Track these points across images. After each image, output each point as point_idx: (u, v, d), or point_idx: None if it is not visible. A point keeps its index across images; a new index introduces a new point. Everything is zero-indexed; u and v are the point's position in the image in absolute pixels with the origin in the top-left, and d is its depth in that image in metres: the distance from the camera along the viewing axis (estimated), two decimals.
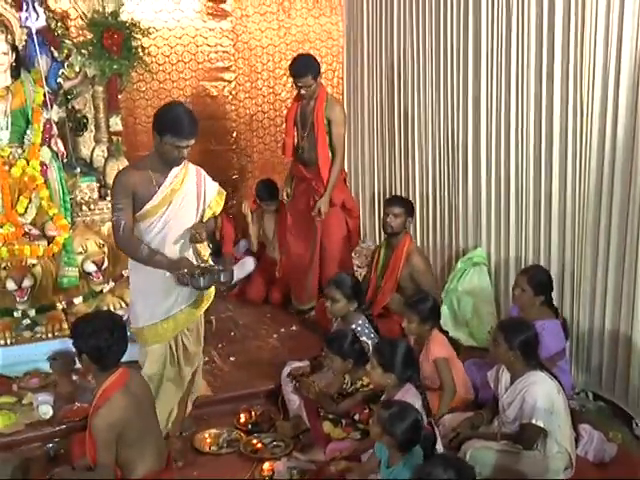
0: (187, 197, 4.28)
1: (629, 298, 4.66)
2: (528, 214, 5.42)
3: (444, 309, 5.82)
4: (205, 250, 4.48)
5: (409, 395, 4.05)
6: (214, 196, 4.41)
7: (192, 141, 4.13)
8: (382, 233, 6.33)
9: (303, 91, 5.95)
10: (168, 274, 4.20)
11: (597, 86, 4.71)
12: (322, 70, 6.17)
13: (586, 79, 4.78)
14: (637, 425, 4.62)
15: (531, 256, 5.41)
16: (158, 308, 4.29)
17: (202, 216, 4.36)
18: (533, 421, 4.02)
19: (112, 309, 5.58)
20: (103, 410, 3.73)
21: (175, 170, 4.23)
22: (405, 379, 4.11)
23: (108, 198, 5.88)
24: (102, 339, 3.82)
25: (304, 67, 5.94)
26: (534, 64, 5.19)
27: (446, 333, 5.15)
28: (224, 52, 7.56)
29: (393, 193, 7.06)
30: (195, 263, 4.32)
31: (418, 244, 6.61)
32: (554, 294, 5.00)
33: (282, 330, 6.07)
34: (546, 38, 5.06)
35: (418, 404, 3.98)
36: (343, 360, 4.58)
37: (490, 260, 5.86)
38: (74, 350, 3.97)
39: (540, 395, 4.04)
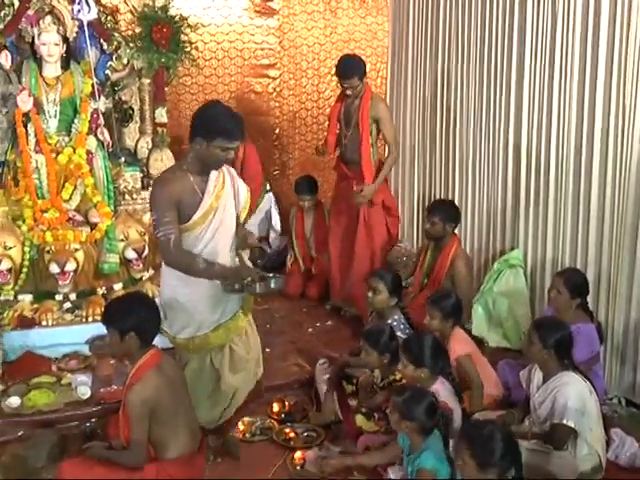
0: (228, 200, 4.11)
1: None
2: (566, 217, 5.42)
3: (479, 309, 5.88)
4: (245, 254, 4.34)
5: (442, 388, 4.11)
6: (245, 194, 4.27)
7: (239, 144, 4.03)
8: (420, 234, 6.37)
9: (349, 92, 5.96)
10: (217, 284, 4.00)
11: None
12: (367, 70, 6.17)
13: (630, 79, 4.77)
14: None
15: (568, 259, 5.41)
16: (206, 321, 4.13)
17: (238, 217, 4.22)
18: (564, 421, 4.02)
19: (151, 295, 5.66)
20: (137, 386, 3.81)
21: (214, 174, 4.03)
22: (437, 372, 4.17)
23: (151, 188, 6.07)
24: (149, 314, 3.95)
25: (351, 69, 5.94)
26: (577, 64, 5.20)
27: (468, 332, 5.16)
28: (270, 49, 7.67)
29: (433, 194, 7.10)
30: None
31: None
32: (590, 298, 5.01)
33: (318, 324, 6.14)
34: (591, 38, 5.06)
35: (452, 396, 4.05)
36: (380, 355, 4.60)
37: (526, 262, 5.86)
38: (113, 335, 3.95)
39: (572, 395, 4.04)
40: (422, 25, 7.21)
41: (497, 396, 4.88)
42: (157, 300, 4.20)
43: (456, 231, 5.85)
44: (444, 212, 5.73)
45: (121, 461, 3.96)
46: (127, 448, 3.93)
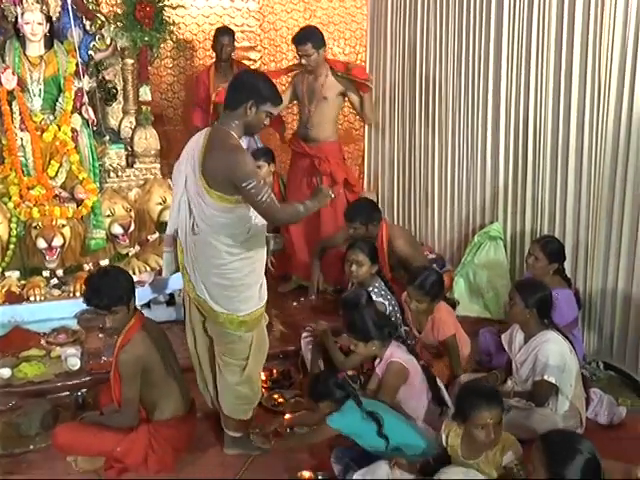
0: None
1: None
2: (544, 189, 5.54)
3: (460, 281, 6.00)
4: None
5: (398, 352, 4.25)
6: None
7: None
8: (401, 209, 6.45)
9: (304, 61, 6.07)
10: (260, 264, 4.02)
11: (614, 71, 4.83)
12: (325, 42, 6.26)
13: (605, 44, 4.88)
14: None
15: (546, 230, 5.52)
16: (262, 292, 4.09)
17: None
18: (545, 377, 4.15)
19: (137, 272, 5.76)
20: (128, 346, 3.91)
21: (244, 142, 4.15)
22: (387, 338, 4.27)
23: (136, 165, 6.15)
24: (128, 282, 4.06)
25: (305, 36, 6.09)
26: (554, 30, 5.30)
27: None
28: (250, 32, 7.77)
29: (413, 169, 7.13)
30: None
31: (436, 220, 6.78)
32: (568, 265, 5.16)
33: (302, 299, 6.19)
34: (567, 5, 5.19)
35: (408, 356, 4.24)
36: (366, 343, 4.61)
37: (506, 234, 5.99)
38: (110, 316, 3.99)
39: (552, 353, 4.17)
40: (400, 8, 7.27)
41: (468, 355, 4.98)
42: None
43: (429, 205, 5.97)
44: (363, 215, 5.55)
45: (113, 423, 4.06)
46: (119, 409, 4.03)
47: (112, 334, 4.26)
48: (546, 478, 2.98)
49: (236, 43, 7.66)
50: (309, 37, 6.07)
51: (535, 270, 5.00)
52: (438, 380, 4.32)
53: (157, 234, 6.03)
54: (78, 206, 5.62)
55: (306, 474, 3.97)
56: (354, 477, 3.75)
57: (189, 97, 7.63)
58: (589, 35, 5.00)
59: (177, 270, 4.21)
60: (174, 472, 4.08)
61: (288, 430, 4.42)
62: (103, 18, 5.98)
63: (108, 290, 3.93)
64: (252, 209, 3.85)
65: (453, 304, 5.46)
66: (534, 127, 5.61)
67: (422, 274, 4.85)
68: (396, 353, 4.25)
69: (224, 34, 6.88)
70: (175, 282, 5.74)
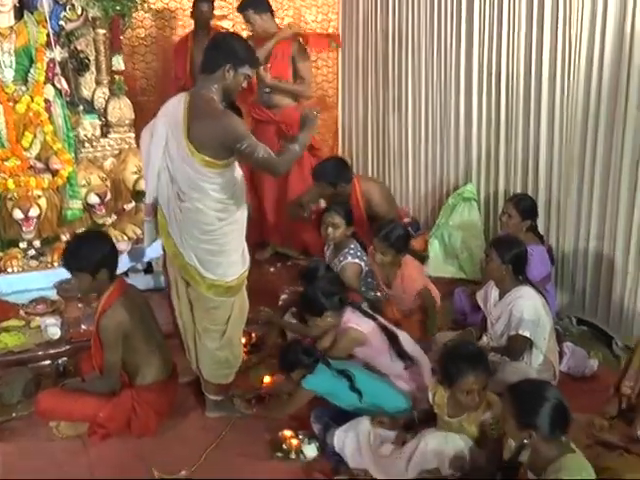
0: None
1: (612, 223, 4.89)
2: (517, 148, 5.63)
3: (435, 243, 6.09)
4: None
5: (353, 317, 4.32)
6: None
7: None
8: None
9: (249, 27, 6.11)
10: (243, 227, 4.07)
11: (585, 30, 4.90)
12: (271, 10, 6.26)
13: (575, 7, 4.96)
14: (617, 345, 4.86)
15: (519, 189, 5.63)
16: (245, 256, 4.13)
17: None
18: (520, 332, 4.24)
19: (115, 241, 5.76)
20: (109, 311, 3.95)
21: None
22: (340, 307, 4.31)
23: (111, 135, 6.13)
24: (109, 247, 4.10)
25: (245, 2, 6.13)
26: (525, 9, 5.40)
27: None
28: (222, 0, 7.66)
29: (387, 137, 7.21)
30: None
31: (410, 183, 6.83)
32: (541, 223, 5.26)
33: (279, 264, 6.26)
34: None
35: (363, 319, 4.30)
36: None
37: (480, 195, 6.08)
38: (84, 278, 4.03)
39: (526, 308, 4.26)
40: None
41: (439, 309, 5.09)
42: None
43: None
44: (331, 175, 5.51)
45: (96, 388, 4.11)
46: (101, 375, 4.07)
47: (88, 294, 4.33)
48: (516, 427, 3.07)
49: None
50: (250, 3, 6.08)
51: (509, 227, 5.09)
52: (401, 335, 4.36)
53: (133, 203, 6.02)
54: (54, 177, 5.59)
55: (287, 433, 4.03)
56: (336, 432, 3.83)
57: (162, 68, 7.58)
58: (559, 12, 5.07)
59: (157, 239, 4.23)
60: (156, 436, 4.13)
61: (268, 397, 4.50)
62: None
63: (88, 253, 3.97)
64: (235, 172, 3.91)
65: (422, 259, 5.52)
66: (506, 89, 5.69)
67: (387, 226, 4.93)
68: (352, 319, 4.31)
69: (203, 1, 6.86)
70: (153, 250, 5.78)
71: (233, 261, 4.03)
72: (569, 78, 5.08)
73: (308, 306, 4.37)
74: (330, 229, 5.14)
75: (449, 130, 6.37)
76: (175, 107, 3.91)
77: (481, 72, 5.93)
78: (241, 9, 6.12)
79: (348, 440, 3.80)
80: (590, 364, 4.62)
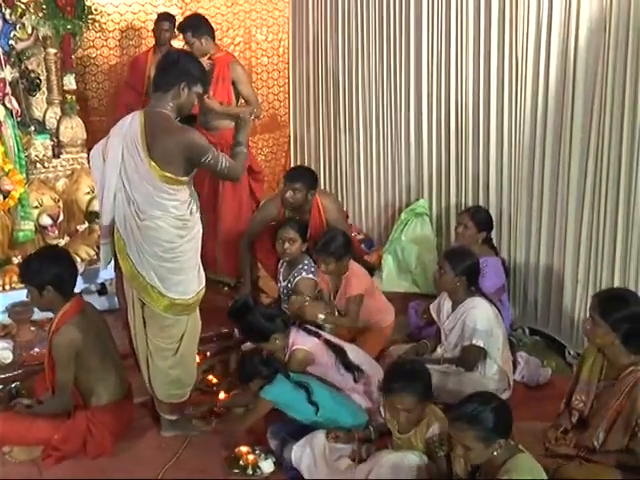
0: None
1: (561, 236, 4.99)
2: (467, 163, 5.74)
3: (388, 258, 6.14)
4: None
5: (298, 338, 4.35)
6: None
7: None
8: None
9: (187, 48, 6.03)
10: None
11: (530, 45, 5.01)
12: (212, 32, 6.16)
13: (521, 27, 5.07)
14: (569, 353, 4.94)
15: (471, 204, 5.71)
16: (201, 275, 4.13)
17: None
18: (474, 342, 4.30)
19: None
20: (63, 329, 3.92)
21: None
22: (283, 327, 4.34)
23: (63, 155, 6.08)
24: (63, 266, 4.05)
25: (184, 24, 6.13)
26: (472, 20, 5.52)
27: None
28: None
29: (339, 157, 7.27)
30: None
31: (363, 201, 6.89)
32: (493, 237, 5.35)
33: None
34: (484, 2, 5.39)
35: (307, 337, 4.34)
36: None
37: (432, 211, 6.16)
38: (32, 292, 4.03)
39: (479, 318, 4.33)
40: None
41: (391, 321, 5.11)
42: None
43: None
44: (307, 179, 5.40)
45: (48, 408, 4.07)
46: (53, 395, 4.02)
47: (43, 310, 4.26)
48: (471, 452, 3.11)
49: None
50: (189, 26, 6.05)
51: (464, 239, 5.17)
52: (348, 348, 4.39)
53: (86, 224, 5.97)
54: (5, 198, 5.53)
55: (244, 449, 4.02)
56: (293, 447, 3.84)
57: (114, 87, 7.58)
58: (506, 14, 5.19)
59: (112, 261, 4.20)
60: (112, 457, 4.08)
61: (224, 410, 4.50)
62: (24, 6, 5.87)
63: (41, 268, 3.97)
64: (192, 189, 3.98)
65: (371, 268, 5.55)
66: (456, 106, 5.79)
67: (325, 237, 4.97)
68: (297, 340, 4.33)
69: (164, 19, 6.92)
70: (106, 272, 5.74)
71: (192, 278, 4.04)
72: (517, 99, 5.19)
73: (254, 334, 4.38)
74: (287, 244, 5.11)
75: (400, 149, 6.45)
76: (130, 126, 3.89)
77: (430, 92, 6.04)
78: (180, 30, 6.11)
79: (304, 455, 3.81)
80: (544, 373, 4.70)
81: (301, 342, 4.32)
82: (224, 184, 5.90)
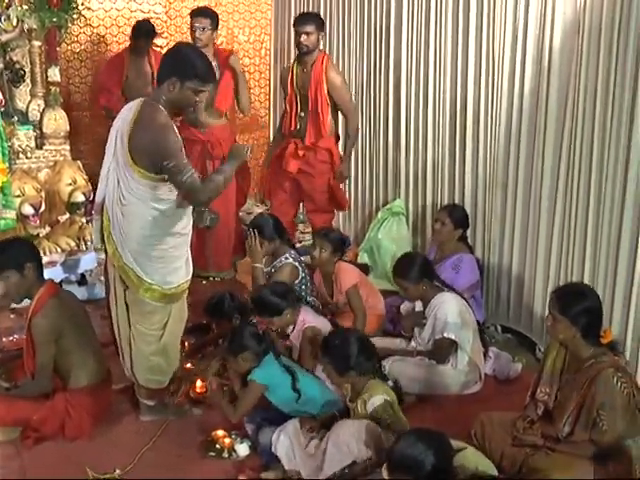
0: None
1: (533, 236, 5.10)
2: (444, 165, 5.86)
3: (364, 256, 6.27)
4: None
5: (309, 317, 4.52)
6: None
7: (211, 86, 3.95)
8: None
9: (198, 34, 6.08)
10: (188, 232, 4.07)
11: (507, 46, 5.14)
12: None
13: (497, 43, 5.22)
14: (540, 350, 5.04)
15: (446, 203, 5.81)
16: (188, 267, 4.15)
17: None
18: (445, 335, 4.42)
19: (47, 253, 5.78)
20: (41, 312, 3.95)
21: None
22: (295, 304, 4.50)
23: (45, 147, 6.14)
24: (27, 246, 4.16)
25: (206, 11, 6.25)
26: (451, 20, 5.66)
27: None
28: (157, 18, 7.74)
29: None
30: None
31: None
32: (468, 234, 5.46)
33: (217, 279, 6.35)
34: (462, 7, 5.53)
35: (317, 317, 4.52)
36: (229, 321, 4.87)
37: (408, 210, 6.29)
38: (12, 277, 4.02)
39: (450, 311, 4.46)
40: None
41: (379, 314, 5.26)
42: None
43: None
44: (315, 21, 5.99)
45: (27, 390, 4.09)
46: (33, 377, 4.05)
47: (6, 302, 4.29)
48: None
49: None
50: (209, 13, 6.15)
51: (441, 235, 5.31)
52: None
53: (67, 215, 6.06)
54: None
55: (220, 433, 4.09)
56: (272, 436, 3.88)
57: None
58: (483, 15, 5.33)
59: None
60: (90, 439, 4.13)
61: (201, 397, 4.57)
62: None
63: (7, 253, 3.99)
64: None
65: (365, 269, 5.68)
66: (433, 107, 5.92)
67: (328, 229, 5.30)
68: (308, 318, 4.48)
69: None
70: (87, 262, 5.82)
71: (172, 269, 4.04)
72: (493, 100, 5.31)
73: (265, 308, 4.47)
74: (257, 243, 5.09)
75: (378, 149, 6.59)
76: (127, 112, 3.89)
77: (408, 94, 6.17)
78: (201, 14, 6.12)
79: (280, 442, 3.86)
80: (514, 367, 4.80)
81: (312, 320, 4.45)
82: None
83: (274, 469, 3.82)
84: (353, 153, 6.69)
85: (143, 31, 6.78)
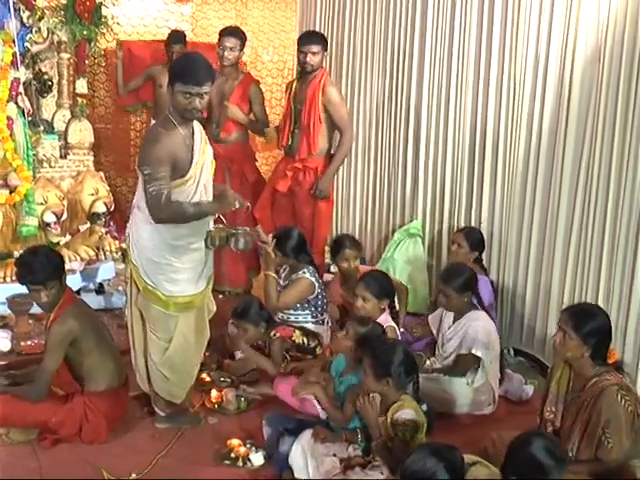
0: (208, 156, 4.12)
1: (549, 260, 5.16)
2: (462, 189, 5.94)
3: None
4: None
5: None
6: (211, 153, 4.22)
7: (203, 88, 3.82)
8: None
9: (225, 53, 6.14)
10: (194, 247, 4.05)
11: (529, 72, 5.23)
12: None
13: (519, 68, 5.30)
14: None
15: (463, 225, 5.88)
16: (192, 281, 4.13)
17: None
18: (473, 351, 4.48)
19: (67, 261, 5.84)
20: (61, 318, 4.04)
21: (197, 128, 4.03)
22: (268, 326, 4.86)
23: (70, 157, 6.25)
24: (54, 257, 4.19)
25: (234, 31, 6.27)
26: (474, 47, 5.75)
27: None
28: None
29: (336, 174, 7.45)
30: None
31: (357, 220, 7.07)
32: (483, 256, 5.52)
33: (228, 290, 6.40)
34: (485, 33, 5.61)
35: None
36: (255, 327, 4.88)
37: (425, 232, 6.34)
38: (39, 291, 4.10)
39: (482, 330, 4.53)
40: (328, 19, 7.56)
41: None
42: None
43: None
44: (322, 41, 5.93)
45: (23, 393, 4.12)
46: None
47: (47, 310, 4.25)
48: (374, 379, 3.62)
49: None
50: (238, 34, 6.22)
51: (458, 257, 5.37)
52: None
53: (88, 224, 6.15)
54: (11, 193, 5.68)
55: (235, 442, 4.13)
56: (293, 445, 3.89)
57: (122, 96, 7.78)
58: (506, 40, 5.42)
59: None
60: (107, 443, 4.18)
61: (217, 406, 4.63)
62: (44, 9, 6.07)
63: (41, 266, 4.06)
64: (188, 195, 3.94)
65: None
66: (453, 130, 5.99)
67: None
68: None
69: (177, 42, 7.09)
70: (105, 271, 5.90)
71: (173, 279, 4.07)
72: (512, 126, 5.41)
73: (248, 315, 4.84)
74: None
75: (397, 171, 6.64)
76: None
77: (429, 117, 6.24)
78: (229, 34, 6.17)
79: (293, 452, 3.87)
80: (527, 389, 4.84)
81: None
82: None
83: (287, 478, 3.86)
84: (372, 178, 6.75)
85: (181, 36, 7.00)
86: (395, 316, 4.81)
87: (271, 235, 5.28)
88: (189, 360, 4.34)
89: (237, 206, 4.02)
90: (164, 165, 3.78)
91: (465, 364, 4.54)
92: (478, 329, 4.52)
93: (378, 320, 4.48)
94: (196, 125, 4.04)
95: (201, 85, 3.80)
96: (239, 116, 6.20)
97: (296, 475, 3.85)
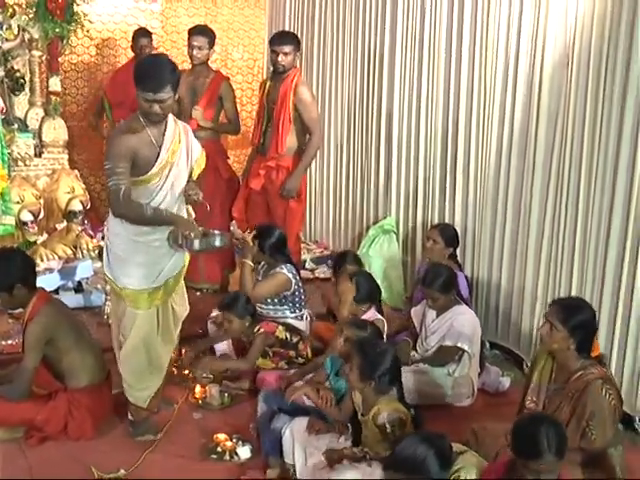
0: (182, 156, 4.04)
1: (522, 254, 5.27)
2: (435, 185, 6.02)
3: None
4: (192, 212, 4.42)
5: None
6: (200, 154, 4.21)
7: (160, 95, 3.75)
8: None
9: (195, 52, 6.13)
10: (156, 245, 4.03)
11: (499, 74, 5.33)
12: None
13: (489, 69, 5.39)
14: (527, 366, 5.18)
15: (437, 222, 5.95)
16: (148, 277, 4.09)
17: (191, 174, 4.17)
18: (458, 344, 4.61)
19: (44, 259, 5.86)
20: (36, 317, 4.07)
21: (171, 127, 3.97)
22: (253, 320, 4.89)
23: (44, 155, 6.24)
24: (23, 261, 4.20)
25: (202, 30, 6.21)
26: (444, 46, 5.82)
27: None
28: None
29: (308, 170, 7.46)
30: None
31: (331, 217, 7.14)
32: (457, 253, 5.61)
33: (205, 287, 6.41)
34: (455, 35, 5.70)
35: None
36: (240, 319, 4.89)
37: (399, 228, 6.44)
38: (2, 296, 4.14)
39: (467, 323, 4.67)
40: (298, 17, 7.66)
41: None
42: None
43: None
44: (293, 41, 5.86)
45: (5, 392, 4.12)
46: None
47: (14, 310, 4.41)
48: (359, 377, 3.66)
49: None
50: (206, 32, 6.18)
51: (432, 253, 5.45)
52: None
53: (65, 222, 6.14)
54: None
55: (221, 436, 4.19)
56: (286, 427, 3.96)
57: (93, 94, 7.74)
58: (476, 43, 5.51)
59: None
60: (93, 439, 4.22)
61: (201, 401, 4.68)
62: (15, 7, 6.05)
63: (11, 267, 4.09)
64: (153, 193, 3.94)
65: None
66: (425, 127, 6.08)
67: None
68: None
69: (142, 36, 7.05)
70: (83, 270, 5.89)
71: (125, 271, 4.08)
72: (484, 122, 5.49)
73: (236, 306, 4.85)
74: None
75: (369, 167, 6.73)
76: None
77: (401, 114, 6.33)
78: (197, 33, 6.12)
79: (285, 437, 3.93)
80: (503, 381, 4.97)
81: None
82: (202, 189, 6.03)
83: (274, 466, 3.94)
84: (344, 174, 6.82)
85: (143, 31, 7.06)
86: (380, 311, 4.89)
87: (249, 230, 5.33)
88: (150, 362, 4.29)
89: (191, 236, 3.90)
90: (123, 161, 3.80)
91: (446, 355, 4.66)
92: (465, 323, 4.64)
93: (365, 317, 4.58)
94: (171, 126, 3.99)
95: (157, 92, 3.76)
96: (205, 124, 6.18)
97: (285, 458, 3.91)
